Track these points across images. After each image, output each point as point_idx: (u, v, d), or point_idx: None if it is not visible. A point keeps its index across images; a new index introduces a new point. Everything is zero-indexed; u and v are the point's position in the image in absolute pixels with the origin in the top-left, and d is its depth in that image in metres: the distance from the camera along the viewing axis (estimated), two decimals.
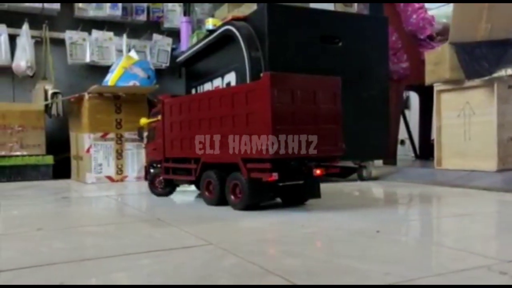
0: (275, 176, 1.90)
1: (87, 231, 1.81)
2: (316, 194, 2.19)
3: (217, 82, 4.42)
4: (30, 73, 4.54)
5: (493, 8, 3.57)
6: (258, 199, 2.08)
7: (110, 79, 4.39)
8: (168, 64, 5.43)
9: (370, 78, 3.92)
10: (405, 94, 6.06)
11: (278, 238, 1.59)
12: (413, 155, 5.83)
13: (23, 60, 4.47)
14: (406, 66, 4.68)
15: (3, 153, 4.12)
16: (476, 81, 3.51)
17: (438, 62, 3.76)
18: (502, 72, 3.37)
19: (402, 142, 6.40)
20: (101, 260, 1.34)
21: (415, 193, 2.98)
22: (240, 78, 3.84)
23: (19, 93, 4.75)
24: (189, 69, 5.26)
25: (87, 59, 4.93)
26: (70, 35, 4.85)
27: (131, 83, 4.37)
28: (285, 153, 1.94)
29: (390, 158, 4.61)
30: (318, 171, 2.04)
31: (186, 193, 2.99)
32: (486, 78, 3.40)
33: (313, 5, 4.09)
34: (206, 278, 1.13)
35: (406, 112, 6.06)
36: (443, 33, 4.90)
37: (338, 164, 2.18)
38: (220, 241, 1.51)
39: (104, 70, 4.81)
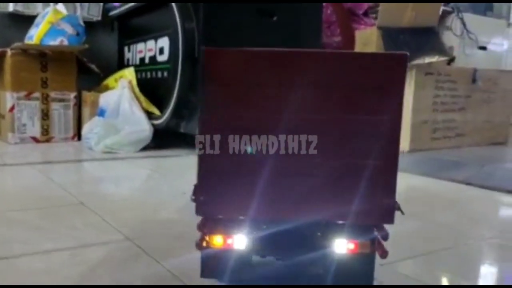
0: (230, 242, 1.13)
1: (9, 218, 1.83)
2: (363, 278, 1.22)
3: (151, 45, 4.35)
4: None
5: None
6: (214, 273, 1.21)
7: (36, 34, 4.18)
8: (100, 18, 5.21)
9: None
10: None
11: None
12: None
13: None
14: (339, 40, 4.83)
15: None
16: None
17: (366, 43, 3.93)
18: (421, 60, 3.60)
19: None
20: (20, 259, 1.40)
21: None
22: (173, 46, 3.80)
23: None
24: (123, 25, 5.10)
25: (10, 8, 4.63)
26: None
27: (58, 40, 4.19)
28: (231, 210, 1.11)
29: None
30: (349, 246, 1.13)
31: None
32: None
33: None
34: (120, 281, 1.24)
35: None
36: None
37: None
38: (138, 236, 1.61)
39: (29, 20, 4.56)
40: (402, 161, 3.41)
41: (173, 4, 3.65)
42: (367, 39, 3.89)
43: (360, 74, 1.08)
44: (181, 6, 3.64)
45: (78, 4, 5.04)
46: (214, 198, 1.10)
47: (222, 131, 1.08)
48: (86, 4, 5.11)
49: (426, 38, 3.70)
